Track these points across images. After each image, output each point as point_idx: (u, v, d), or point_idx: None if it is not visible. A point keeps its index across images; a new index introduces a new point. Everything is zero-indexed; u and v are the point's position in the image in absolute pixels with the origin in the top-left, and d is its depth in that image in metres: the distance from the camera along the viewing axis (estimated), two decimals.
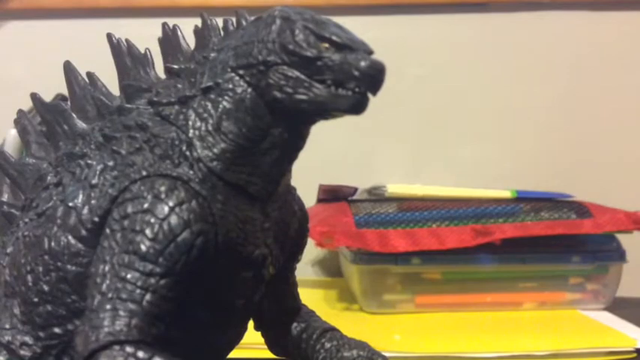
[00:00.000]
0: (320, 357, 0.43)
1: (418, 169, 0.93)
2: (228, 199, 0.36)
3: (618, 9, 0.93)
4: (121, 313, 0.33)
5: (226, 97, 0.37)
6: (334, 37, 0.35)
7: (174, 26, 0.41)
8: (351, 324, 0.68)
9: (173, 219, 0.34)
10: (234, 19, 0.39)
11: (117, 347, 0.32)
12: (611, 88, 0.94)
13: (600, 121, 0.94)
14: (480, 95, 0.94)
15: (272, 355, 0.46)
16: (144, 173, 0.36)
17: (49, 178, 0.40)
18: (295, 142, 0.38)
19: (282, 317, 0.45)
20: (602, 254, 0.74)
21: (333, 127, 1.00)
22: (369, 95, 0.35)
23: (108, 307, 0.33)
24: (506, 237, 0.70)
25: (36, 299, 0.38)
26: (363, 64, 0.34)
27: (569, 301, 0.74)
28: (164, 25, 0.41)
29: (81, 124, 0.41)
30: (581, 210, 0.75)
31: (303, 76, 0.35)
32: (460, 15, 0.94)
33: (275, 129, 0.36)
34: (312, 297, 0.80)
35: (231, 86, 0.36)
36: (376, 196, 0.82)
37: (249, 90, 0.36)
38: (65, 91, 0.43)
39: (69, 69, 0.42)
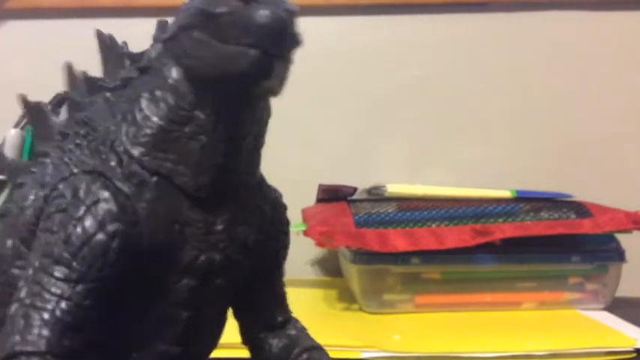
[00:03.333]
0: None
1: (418, 168, 0.93)
2: (160, 198, 0.33)
3: (618, 9, 0.93)
4: (33, 322, 0.31)
5: (155, 76, 0.33)
6: None
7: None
8: (351, 324, 0.68)
9: (88, 220, 0.32)
10: None
11: (23, 358, 0.31)
12: (611, 88, 0.94)
13: (600, 121, 0.94)
14: (479, 95, 0.94)
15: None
16: (74, 170, 0.34)
17: (19, 179, 0.40)
18: (227, 129, 0.33)
19: (264, 332, 0.40)
20: (602, 254, 0.74)
21: (333, 127, 1.00)
22: (275, 57, 0.30)
23: (21, 314, 0.31)
24: (506, 237, 0.70)
25: None
26: (262, 14, 0.29)
27: (568, 301, 0.74)
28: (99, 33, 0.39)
29: (56, 124, 0.39)
30: (581, 210, 0.75)
31: (207, 37, 0.31)
32: (460, 15, 0.93)
33: (199, 110, 0.32)
34: (312, 297, 0.80)
35: (159, 64, 0.33)
36: (376, 195, 0.81)
37: (173, 64, 0.33)
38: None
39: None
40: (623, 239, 0.75)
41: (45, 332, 0.31)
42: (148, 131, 0.33)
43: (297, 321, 0.42)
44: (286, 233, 0.40)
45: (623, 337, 0.61)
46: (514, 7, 0.94)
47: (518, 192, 0.78)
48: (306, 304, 0.76)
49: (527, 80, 0.94)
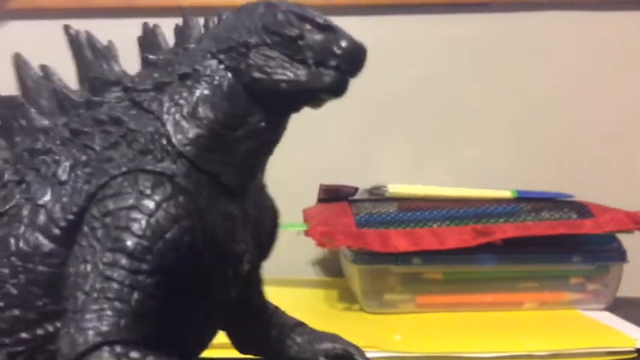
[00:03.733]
0: (293, 352, 0.43)
1: (419, 169, 0.93)
2: (213, 195, 0.36)
3: (618, 9, 0.93)
4: (109, 312, 0.32)
5: (203, 83, 0.36)
6: (317, 19, 0.35)
7: (155, 26, 0.40)
8: (352, 324, 0.68)
9: (161, 215, 0.33)
10: (215, 17, 0.39)
11: (107, 348, 0.31)
12: (611, 87, 0.94)
13: (601, 121, 0.94)
14: (479, 95, 0.94)
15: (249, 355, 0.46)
16: (124, 169, 0.35)
17: (6, 176, 0.38)
18: (272, 134, 0.37)
19: (250, 314, 0.44)
20: (603, 254, 0.74)
21: (334, 127, 1.00)
22: (349, 78, 0.35)
23: (94, 307, 0.32)
24: (507, 237, 0.70)
25: (1, 304, 0.35)
26: (344, 42, 0.34)
27: (569, 301, 0.74)
28: (144, 24, 0.40)
29: (40, 120, 0.39)
30: (582, 210, 0.75)
31: (283, 56, 0.35)
32: (460, 15, 0.93)
33: (252, 117, 0.36)
34: (313, 297, 0.80)
35: (209, 72, 0.36)
36: (377, 195, 0.81)
37: (228, 75, 0.36)
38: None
39: (20, 62, 0.41)
40: (625, 239, 0.75)
41: (124, 321, 0.32)
42: (202, 133, 0.35)
43: (271, 303, 0.46)
44: (278, 227, 0.44)
45: (624, 337, 0.61)
46: (514, 7, 0.94)
47: (519, 192, 0.78)
48: (307, 304, 0.76)
49: (528, 80, 0.94)
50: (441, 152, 0.94)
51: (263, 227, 0.41)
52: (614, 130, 0.94)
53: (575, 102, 0.94)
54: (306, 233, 0.72)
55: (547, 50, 0.94)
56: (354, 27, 0.37)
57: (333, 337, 0.44)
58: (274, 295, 0.79)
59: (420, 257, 0.71)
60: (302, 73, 0.34)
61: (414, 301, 0.73)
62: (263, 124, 0.36)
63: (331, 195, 0.83)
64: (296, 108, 0.37)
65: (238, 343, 0.45)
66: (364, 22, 0.92)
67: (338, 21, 0.37)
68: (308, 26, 0.35)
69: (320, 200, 0.84)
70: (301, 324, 0.45)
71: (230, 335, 0.45)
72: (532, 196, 0.78)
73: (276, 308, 0.46)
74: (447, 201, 0.77)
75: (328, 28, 0.35)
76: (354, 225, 0.72)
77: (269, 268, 0.97)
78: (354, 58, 0.35)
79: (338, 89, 0.35)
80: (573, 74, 0.94)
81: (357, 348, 0.44)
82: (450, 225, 0.72)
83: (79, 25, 0.42)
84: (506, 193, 0.78)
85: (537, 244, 0.72)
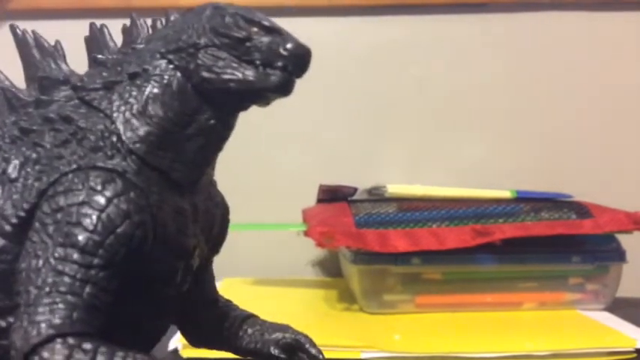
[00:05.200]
0: (244, 343, 0.44)
1: (418, 169, 0.93)
2: (162, 191, 0.36)
3: (618, 9, 0.93)
4: (61, 306, 0.32)
5: (153, 82, 0.37)
6: (263, 22, 0.36)
7: (102, 25, 0.41)
8: (351, 324, 0.68)
9: (112, 210, 0.34)
10: (163, 19, 0.40)
11: (60, 340, 0.32)
12: (610, 88, 0.94)
13: (600, 121, 0.94)
14: (479, 95, 0.94)
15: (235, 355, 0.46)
16: (74, 166, 0.35)
17: None
18: (221, 131, 0.38)
19: (202, 308, 0.44)
20: (603, 254, 0.74)
21: (333, 128, 1.00)
22: (295, 78, 0.36)
23: (46, 300, 0.32)
24: (506, 237, 0.70)
25: None
26: (290, 44, 0.35)
27: (569, 302, 0.74)
28: (91, 24, 0.41)
29: None
30: (581, 210, 0.75)
31: (231, 57, 0.36)
32: (460, 15, 0.94)
33: (201, 115, 0.36)
34: (312, 297, 0.80)
35: (158, 71, 0.37)
36: (376, 196, 0.82)
37: (178, 74, 0.36)
38: None
39: None
40: (624, 239, 0.75)
41: (77, 314, 0.32)
42: (152, 130, 0.36)
43: (222, 296, 0.46)
44: (229, 222, 0.44)
45: (623, 338, 0.61)
46: (514, 7, 0.94)
47: (518, 192, 0.78)
48: (307, 304, 0.76)
49: (527, 80, 0.94)
50: (441, 152, 0.94)
51: (214, 222, 0.42)
52: (614, 130, 0.94)
53: (574, 102, 0.94)
54: (306, 233, 0.72)
55: (547, 50, 0.94)
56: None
57: (284, 328, 0.44)
58: (274, 295, 0.80)
59: (420, 257, 0.71)
60: (250, 74, 0.35)
61: (414, 302, 0.73)
62: (212, 121, 0.37)
63: (331, 195, 0.83)
64: (244, 107, 0.38)
65: (191, 337, 0.46)
66: (364, 22, 0.92)
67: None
68: (255, 29, 0.36)
69: (319, 200, 0.84)
70: (253, 316, 0.45)
71: (182, 330, 0.46)
72: (531, 196, 0.78)
73: (229, 302, 0.47)
74: (446, 201, 0.77)
75: (275, 31, 0.36)
76: (353, 225, 0.72)
77: (269, 268, 0.97)
78: (300, 59, 0.36)
79: (285, 89, 0.36)
80: (573, 74, 0.94)
81: (307, 337, 0.44)
82: (450, 225, 0.72)
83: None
84: (506, 193, 0.78)
85: (537, 244, 0.72)
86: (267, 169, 0.89)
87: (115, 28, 0.43)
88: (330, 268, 0.92)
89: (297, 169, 0.91)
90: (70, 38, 0.43)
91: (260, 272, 0.86)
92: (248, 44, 0.35)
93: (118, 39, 0.41)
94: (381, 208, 0.75)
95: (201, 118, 0.36)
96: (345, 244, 0.71)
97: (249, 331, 0.44)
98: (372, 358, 0.58)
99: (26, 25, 0.42)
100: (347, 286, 0.81)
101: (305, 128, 0.92)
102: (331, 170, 0.91)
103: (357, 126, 0.93)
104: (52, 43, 0.41)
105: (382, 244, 0.70)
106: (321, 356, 0.43)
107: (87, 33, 0.41)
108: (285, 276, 0.88)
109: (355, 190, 0.84)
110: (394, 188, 0.79)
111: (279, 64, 0.35)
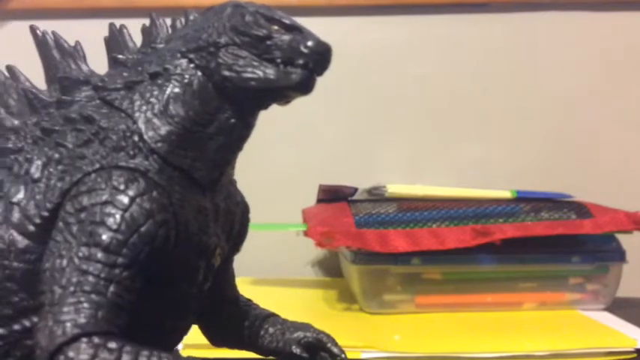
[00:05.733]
0: (265, 342, 0.44)
1: (418, 169, 0.93)
2: (184, 190, 0.36)
3: (618, 9, 0.93)
4: (86, 305, 0.32)
5: (174, 82, 0.37)
6: (284, 20, 0.36)
7: (122, 26, 0.41)
8: (351, 324, 0.68)
9: (135, 209, 0.34)
10: (182, 18, 0.40)
11: (85, 339, 0.32)
12: (611, 87, 0.94)
13: (600, 121, 0.94)
14: (480, 95, 0.94)
15: (248, 355, 0.46)
16: (97, 166, 0.36)
17: None
18: (241, 130, 0.38)
19: (222, 307, 0.45)
20: (603, 254, 0.74)
21: (333, 128, 1.00)
22: (316, 76, 0.36)
23: (71, 300, 0.32)
24: (507, 237, 0.70)
25: None
26: (311, 42, 0.36)
27: (569, 302, 0.74)
28: (111, 24, 0.41)
29: (10, 120, 0.39)
30: (581, 210, 0.75)
31: (252, 56, 0.36)
32: (460, 15, 0.94)
33: (222, 114, 0.37)
34: (312, 297, 0.80)
35: (179, 71, 0.37)
36: (376, 196, 0.81)
37: (198, 73, 0.37)
38: None
39: None
40: (624, 239, 0.75)
41: (101, 313, 0.32)
42: (173, 130, 0.36)
43: (243, 296, 0.47)
44: (249, 220, 0.44)
45: (623, 338, 0.61)
46: (514, 7, 0.94)
47: (518, 192, 0.78)
48: (307, 304, 0.76)
49: (527, 80, 0.94)
50: (441, 152, 0.94)
51: (234, 221, 0.42)
52: (614, 131, 0.94)
53: (574, 102, 0.94)
54: (306, 233, 0.72)
55: (547, 50, 0.94)
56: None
57: (305, 327, 0.44)
58: (274, 295, 0.80)
59: (420, 257, 0.71)
60: (271, 72, 0.36)
61: (414, 302, 0.73)
62: (233, 120, 0.37)
63: (331, 195, 0.83)
64: (265, 105, 0.38)
65: (212, 336, 0.46)
66: (364, 22, 0.92)
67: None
68: (275, 27, 0.36)
69: (319, 200, 0.84)
70: (273, 315, 0.46)
71: (203, 328, 0.46)
72: (531, 196, 0.78)
73: (249, 301, 0.47)
74: (446, 201, 0.77)
75: (295, 29, 0.36)
76: (353, 225, 0.72)
77: (269, 268, 0.97)
78: (321, 57, 0.36)
79: (306, 87, 0.36)
80: (573, 74, 0.94)
81: (329, 336, 0.44)
82: (450, 225, 0.72)
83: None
84: (506, 194, 0.78)
85: (537, 244, 0.72)
86: (267, 169, 0.89)
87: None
88: (330, 268, 0.92)
89: (297, 169, 0.91)
90: (70, 38, 0.43)
91: (260, 272, 0.86)
92: (268, 42, 0.36)
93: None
94: (381, 208, 0.75)
95: (221, 117, 0.37)
96: (345, 244, 0.71)
97: (271, 330, 0.44)
98: (372, 358, 0.58)
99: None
100: (347, 286, 0.81)
101: (305, 128, 0.92)
102: (331, 170, 0.91)
103: (357, 126, 0.93)
104: (72, 44, 0.41)
105: (382, 244, 0.70)
106: (343, 355, 0.44)
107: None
108: (285, 276, 0.88)
109: (355, 190, 0.84)
110: (394, 188, 0.79)
111: (300, 61, 0.35)
